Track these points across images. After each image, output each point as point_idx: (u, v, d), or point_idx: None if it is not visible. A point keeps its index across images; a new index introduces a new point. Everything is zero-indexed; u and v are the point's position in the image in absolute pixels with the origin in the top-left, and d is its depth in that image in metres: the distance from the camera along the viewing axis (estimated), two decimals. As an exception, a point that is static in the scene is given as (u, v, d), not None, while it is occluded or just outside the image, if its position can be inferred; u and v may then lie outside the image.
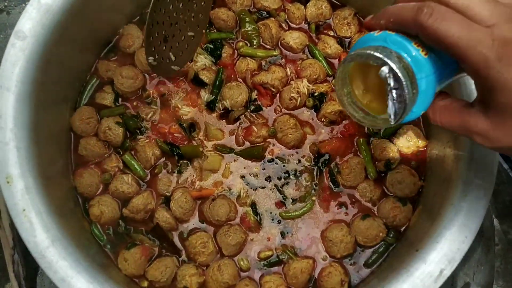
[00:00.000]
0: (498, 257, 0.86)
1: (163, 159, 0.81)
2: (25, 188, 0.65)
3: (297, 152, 0.82)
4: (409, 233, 0.77)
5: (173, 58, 0.76)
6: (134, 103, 0.83)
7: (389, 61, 0.44)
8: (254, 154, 0.81)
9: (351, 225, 0.78)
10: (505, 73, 0.43)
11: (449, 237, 0.66)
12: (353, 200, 0.80)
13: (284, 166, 0.81)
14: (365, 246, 0.78)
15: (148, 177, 0.81)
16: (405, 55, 0.45)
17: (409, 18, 0.45)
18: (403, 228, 0.79)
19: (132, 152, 0.81)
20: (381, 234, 0.77)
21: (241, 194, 0.80)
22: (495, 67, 0.43)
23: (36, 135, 0.70)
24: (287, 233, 0.79)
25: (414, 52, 0.46)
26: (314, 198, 0.80)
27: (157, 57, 0.73)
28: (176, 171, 0.81)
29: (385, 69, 0.44)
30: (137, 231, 0.78)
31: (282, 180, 0.81)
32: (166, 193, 0.80)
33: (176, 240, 0.78)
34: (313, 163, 0.81)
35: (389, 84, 0.45)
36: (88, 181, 0.78)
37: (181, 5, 0.72)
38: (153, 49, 0.71)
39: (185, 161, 0.81)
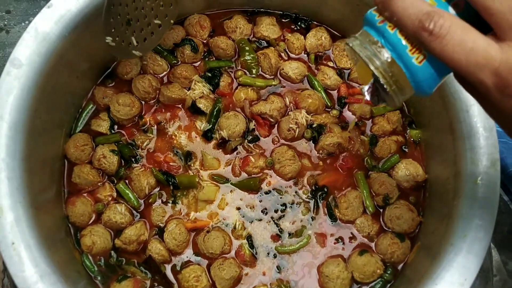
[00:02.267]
0: (497, 288, 0.85)
1: (157, 189, 0.80)
2: (15, 220, 0.64)
3: (294, 184, 0.81)
4: (407, 271, 0.76)
5: (135, 42, 0.74)
6: (130, 131, 0.82)
7: (375, 72, 0.43)
8: (251, 186, 0.79)
9: (348, 261, 0.77)
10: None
11: (448, 279, 0.64)
12: (351, 235, 0.78)
13: (281, 198, 0.80)
14: (362, 283, 0.76)
15: (142, 207, 0.79)
16: (399, 62, 0.43)
17: (410, 28, 0.41)
18: (401, 265, 0.77)
19: (127, 181, 0.80)
20: (378, 271, 0.75)
21: (237, 227, 0.78)
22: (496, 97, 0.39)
23: (29, 164, 0.68)
24: (283, 267, 0.77)
25: (408, 60, 0.43)
26: (310, 232, 0.78)
27: (117, 39, 0.71)
28: (171, 202, 0.79)
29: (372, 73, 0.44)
30: (129, 262, 0.76)
31: (279, 212, 0.79)
32: (159, 224, 0.78)
33: (168, 273, 0.76)
34: (310, 195, 0.80)
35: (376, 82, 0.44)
36: (80, 210, 0.77)
37: None
38: (112, 30, 0.70)
39: (180, 191, 0.80)
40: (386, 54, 0.43)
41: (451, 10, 0.41)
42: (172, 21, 0.79)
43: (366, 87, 0.46)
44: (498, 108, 0.40)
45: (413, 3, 0.40)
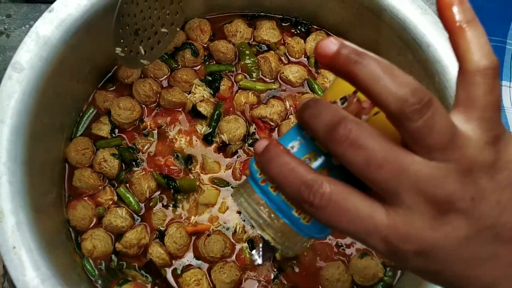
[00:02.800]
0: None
1: (158, 192, 0.80)
2: (16, 224, 0.64)
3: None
4: (408, 274, 0.76)
5: (143, 52, 0.75)
6: (131, 135, 0.82)
7: (265, 237, 0.39)
8: (251, 189, 0.80)
9: (349, 264, 0.77)
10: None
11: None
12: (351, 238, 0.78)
13: (281, 201, 0.80)
14: (362, 286, 0.76)
15: (143, 211, 0.79)
16: (287, 221, 0.39)
17: (291, 197, 0.36)
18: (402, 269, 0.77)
19: (127, 185, 0.80)
20: (379, 274, 0.76)
21: (237, 230, 0.78)
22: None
23: (30, 168, 0.68)
24: (283, 271, 0.77)
25: (296, 220, 0.39)
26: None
27: (126, 49, 0.72)
28: (172, 205, 0.79)
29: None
30: (130, 266, 0.76)
31: (279, 216, 0.79)
32: (160, 228, 0.78)
33: (169, 276, 0.76)
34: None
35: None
36: (81, 213, 0.77)
37: (156, 1, 0.71)
38: (121, 41, 0.70)
39: (180, 195, 0.80)
40: (273, 216, 0.39)
41: (334, 161, 0.38)
42: (178, 29, 0.79)
43: (255, 253, 0.43)
44: (407, 269, 0.38)
45: (292, 170, 0.36)
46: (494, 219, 0.34)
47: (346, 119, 0.34)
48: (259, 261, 0.44)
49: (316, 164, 0.38)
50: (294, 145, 0.39)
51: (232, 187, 0.80)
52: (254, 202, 0.39)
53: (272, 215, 0.39)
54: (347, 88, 0.37)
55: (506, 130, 0.35)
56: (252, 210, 0.40)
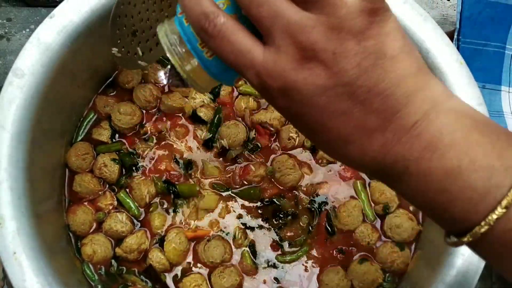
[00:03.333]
0: (496, 299, 0.86)
1: (158, 198, 0.80)
2: (17, 230, 0.64)
3: (295, 193, 0.81)
4: (407, 280, 0.76)
5: (140, 53, 0.75)
6: (131, 140, 0.83)
7: (172, 61, 0.44)
8: (251, 194, 0.80)
9: (348, 269, 0.77)
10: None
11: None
12: (351, 243, 0.79)
13: (281, 207, 0.80)
14: (361, 291, 0.77)
15: (143, 216, 0.79)
16: (194, 54, 0.43)
17: (194, 26, 0.41)
18: (401, 274, 0.77)
19: (127, 190, 0.80)
20: (378, 279, 0.76)
21: (237, 235, 0.78)
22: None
23: (30, 173, 0.69)
24: (283, 276, 0.77)
25: (200, 53, 0.43)
26: (310, 241, 0.79)
27: (123, 49, 0.72)
28: (172, 210, 0.80)
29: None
30: (130, 271, 0.76)
31: (279, 221, 0.80)
32: (160, 233, 0.78)
33: (169, 282, 0.76)
34: (310, 205, 0.80)
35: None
36: (81, 218, 0.77)
37: (154, 3, 0.72)
38: (118, 41, 0.71)
39: (181, 200, 0.80)
40: (182, 45, 0.43)
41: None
42: None
43: (162, 73, 0.46)
44: (276, 109, 0.42)
45: (199, 1, 0.40)
46: (351, 78, 0.36)
47: None
48: (164, 81, 0.46)
49: (227, 9, 0.41)
50: None
51: (232, 192, 0.81)
52: (171, 31, 0.44)
53: (183, 45, 0.43)
54: None
55: (389, 9, 0.37)
56: (168, 37, 0.44)
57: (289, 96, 0.38)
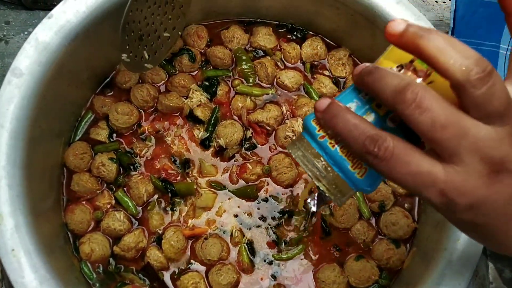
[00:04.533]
0: (493, 298, 0.86)
1: (156, 196, 0.81)
2: (15, 227, 0.64)
3: (291, 191, 0.82)
4: (403, 277, 0.77)
5: (147, 56, 0.77)
6: (129, 139, 0.83)
7: (320, 187, 0.44)
8: (248, 193, 0.80)
9: (344, 266, 0.77)
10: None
11: (442, 284, 0.65)
12: (347, 241, 0.79)
13: (278, 205, 0.81)
14: (358, 288, 0.77)
15: (140, 214, 0.80)
16: (342, 176, 0.43)
17: (355, 150, 0.41)
18: (397, 270, 0.78)
19: (125, 189, 0.80)
20: (373, 276, 0.76)
21: (234, 233, 0.79)
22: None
23: (29, 171, 0.69)
24: (280, 274, 0.78)
25: (351, 175, 0.43)
26: (306, 239, 0.79)
27: (131, 54, 0.73)
28: (169, 209, 0.80)
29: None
30: (128, 270, 0.77)
31: (276, 220, 0.80)
32: (158, 231, 0.79)
33: (167, 279, 0.77)
34: (306, 203, 0.81)
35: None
36: (79, 217, 0.77)
37: (158, 7, 0.73)
38: (127, 47, 0.72)
39: (178, 199, 0.80)
40: (329, 169, 0.43)
41: (388, 123, 0.42)
42: (180, 33, 0.81)
43: (310, 201, 0.48)
44: (451, 220, 0.43)
45: (357, 125, 0.40)
46: None
47: (413, 83, 0.38)
48: (314, 209, 0.48)
49: (374, 123, 0.42)
50: (351, 106, 0.43)
51: (229, 191, 0.81)
52: (312, 156, 0.44)
53: (329, 168, 0.43)
54: (403, 57, 0.41)
55: None
56: (309, 163, 0.44)
57: (478, 210, 0.39)
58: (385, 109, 0.42)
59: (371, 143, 0.39)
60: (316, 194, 0.47)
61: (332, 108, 0.42)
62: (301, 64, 0.89)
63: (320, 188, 0.44)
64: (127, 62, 0.74)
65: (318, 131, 0.43)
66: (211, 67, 0.87)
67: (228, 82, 0.87)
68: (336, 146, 0.43)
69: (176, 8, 0.77)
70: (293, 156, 0.45)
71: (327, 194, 0.44)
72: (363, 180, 0.43)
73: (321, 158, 0.43)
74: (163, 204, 0.80)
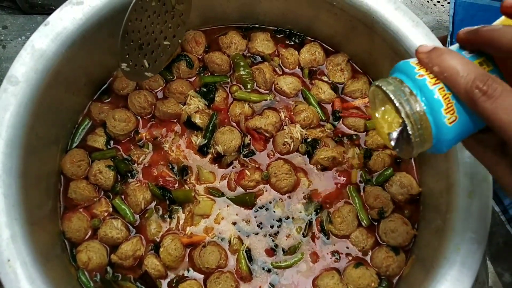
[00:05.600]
0: (492, 302, 0.86)
1: (153, 204, 0.80)
2: (11, 237, 0.64)
3: (289, 198, 0.81)
4: (402, 284, 0.76)
5: (147, 65, 0.76)
6: (126, 146, 0.83)
7: (406, 120, 0.44)
8: (246, 201, 0.80)
9: (343, 273, 0.77)
10: None
11: (442, 293, 0.65)
12: (346, 248, 0.79)
13: (276, 212, 0.80)
14: (357, 296, 0.77)
15: (138, 222, 0.79)
16: (430, 117, 0.44)
17: (463, 86, 0.42)
18: (396, 278, 0.77)
19: (122, 196, 0.80)
20: (372, 284, 0.76)
21: (232, 241, 0.78)
22: None
23: (25, 180, 0.69)
24: (278, 282, 0.77)
25: (440, 118, 0.43)
26: (305, 247, 0.79)
27: (131, 63, 0.73)
28: (167, 216, 0.79)
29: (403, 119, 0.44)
30: (125, 278, 0.76)
31: (275, 227, 0.80)
32: (155, 239, 0.78)
33: (165, 288, 0.76)
34: (305, 210, 0.80)
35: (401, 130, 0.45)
36: (76, 225, 0.77)
37: (158, 16, 0.73)
38: (127, 56, 0.72)
39: (176, 206, 0.80)
40: (420, 107, 0.44)
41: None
42: (180, 41, 0.80)
43: (394, 134, 0.46)
44: None
45: (466, 63, 0.42)
46: None
47: None
48: (392, 143, 0.47)
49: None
50: None
51: (227, 198, 0.81)
52: (405, 92, 0.44)
53: (419, 108, 0.43)
54: None
55: None
56: (402, 97, 0.44)
57: None
58: (487, 68, 0.44)
59: (482, 80, 0.41)
60: (399, 129, 0.46)
61: (440, 48, 0.44)
62: (299, 70, 0.88)
63: (406, 124, 0.44)
64: (127, 71, 0.73)
65: (418, 70, 0.45)
66: (209, 73, 0.87)
67: (226, 88, 0.86)
68: (435, 86, 0.43)
69: (176, 16, 0.76)
70: (384, 89, 0.45)
71: (410, 132, 0.44)
72: (449, 129, 0.43)
73: (414, 95, 0.44)
74: (161, 212, 0.80)
